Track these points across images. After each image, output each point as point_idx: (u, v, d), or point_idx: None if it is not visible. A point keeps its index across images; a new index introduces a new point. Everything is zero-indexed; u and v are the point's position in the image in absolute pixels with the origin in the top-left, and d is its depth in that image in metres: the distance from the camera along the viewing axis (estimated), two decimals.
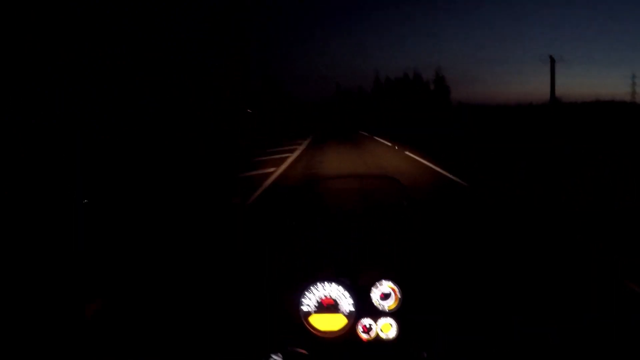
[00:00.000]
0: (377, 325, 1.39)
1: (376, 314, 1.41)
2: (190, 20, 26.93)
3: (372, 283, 1.44)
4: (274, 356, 1.19)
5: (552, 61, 38.33)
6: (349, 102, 75.51)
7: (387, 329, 1.39)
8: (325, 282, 1.43)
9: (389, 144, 21.10)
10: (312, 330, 1.39)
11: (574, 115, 30.86)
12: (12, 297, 2.12)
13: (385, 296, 1.43)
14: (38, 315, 1.90)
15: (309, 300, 1.42)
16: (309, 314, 1.41)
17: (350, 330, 1.40)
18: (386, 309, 1.42)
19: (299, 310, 1.41)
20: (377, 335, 1.39)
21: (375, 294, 1.43)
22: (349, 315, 1.41)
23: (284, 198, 6.85)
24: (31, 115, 10.36)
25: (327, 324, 1.40)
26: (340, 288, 1.42)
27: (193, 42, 26.21)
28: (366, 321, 1.40)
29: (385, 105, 63.84)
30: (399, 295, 1.42)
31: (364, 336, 1.39)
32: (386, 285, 1.44)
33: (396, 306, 1.42)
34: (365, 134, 29.86)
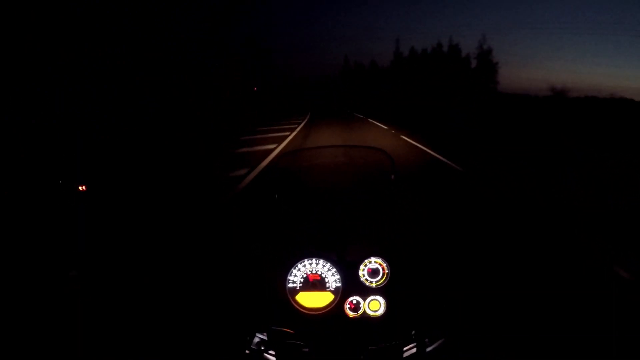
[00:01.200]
0: (365, 302, 1.35)
1: (364, 290, 1.37)
2: (190, 20, 26.95)
3: (360, 260, 1.40)
4: (259, 335, 1.15)
5: None
6: (359, 80, 59.50)
7: (375, 306, 1.35)
8: (313, 259, 1.39)
9: None
10: (298, 307, 1.36)
11: None
12: (11, 298, 2.12)
13: (373, 272, 1.39)
14: (37, 315, 1.90)
15: (295, 277, 1.38)
16: (295, 291, 1.37)
17: (337, 306, 1.36)
18: (374, 285, 1.38)
19: (285, 287, 1.37)
20: (365, 312, 1.35)
21: (363, 271, 1.40)
22: (335, 292, 1.38)
23: (267, 172, 6.52)
24: (31, 115, 10.38)
25: (314, 300, 1.37)
26: (328, 264, 1.40)
27: (193, 42, 26.23)
28: (354, 298, 1.36)
29: (407, 85, 47.39)
30: (387, 271, 1.39)
31: (351, 313, 1.35)
32: (374, 262, 1.40)
33: (384, 282, 1.38)
34: None
